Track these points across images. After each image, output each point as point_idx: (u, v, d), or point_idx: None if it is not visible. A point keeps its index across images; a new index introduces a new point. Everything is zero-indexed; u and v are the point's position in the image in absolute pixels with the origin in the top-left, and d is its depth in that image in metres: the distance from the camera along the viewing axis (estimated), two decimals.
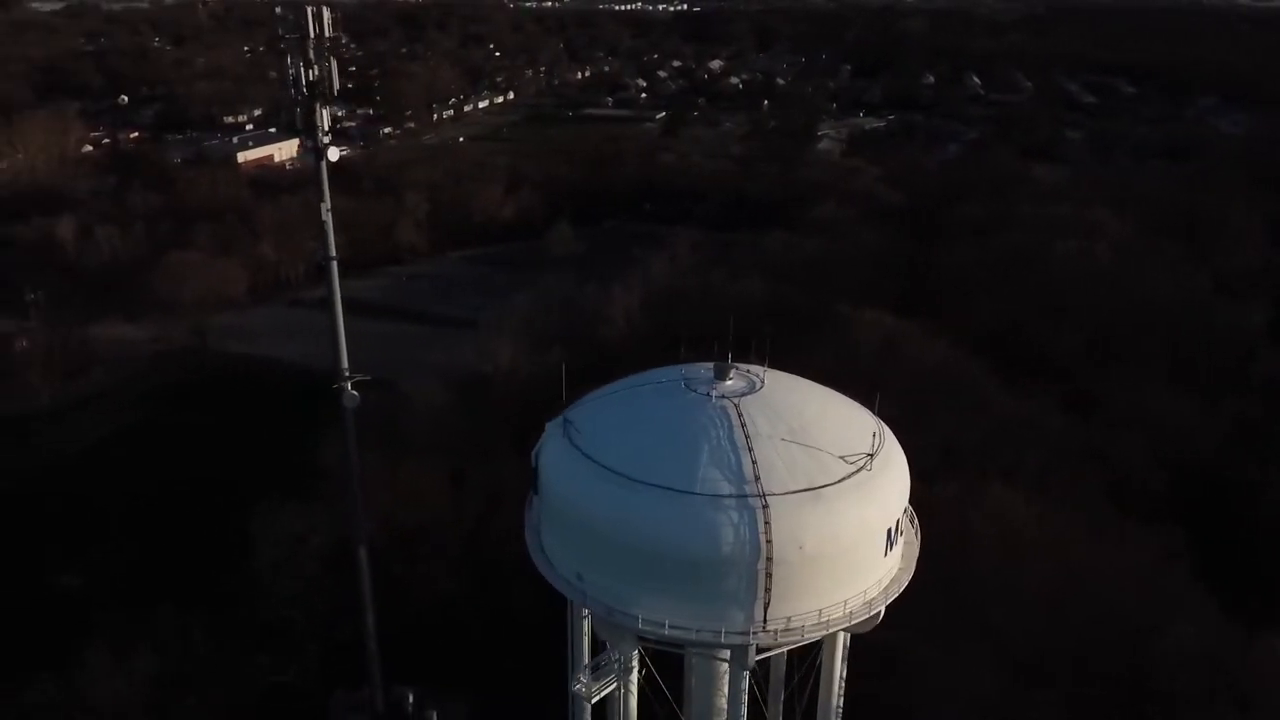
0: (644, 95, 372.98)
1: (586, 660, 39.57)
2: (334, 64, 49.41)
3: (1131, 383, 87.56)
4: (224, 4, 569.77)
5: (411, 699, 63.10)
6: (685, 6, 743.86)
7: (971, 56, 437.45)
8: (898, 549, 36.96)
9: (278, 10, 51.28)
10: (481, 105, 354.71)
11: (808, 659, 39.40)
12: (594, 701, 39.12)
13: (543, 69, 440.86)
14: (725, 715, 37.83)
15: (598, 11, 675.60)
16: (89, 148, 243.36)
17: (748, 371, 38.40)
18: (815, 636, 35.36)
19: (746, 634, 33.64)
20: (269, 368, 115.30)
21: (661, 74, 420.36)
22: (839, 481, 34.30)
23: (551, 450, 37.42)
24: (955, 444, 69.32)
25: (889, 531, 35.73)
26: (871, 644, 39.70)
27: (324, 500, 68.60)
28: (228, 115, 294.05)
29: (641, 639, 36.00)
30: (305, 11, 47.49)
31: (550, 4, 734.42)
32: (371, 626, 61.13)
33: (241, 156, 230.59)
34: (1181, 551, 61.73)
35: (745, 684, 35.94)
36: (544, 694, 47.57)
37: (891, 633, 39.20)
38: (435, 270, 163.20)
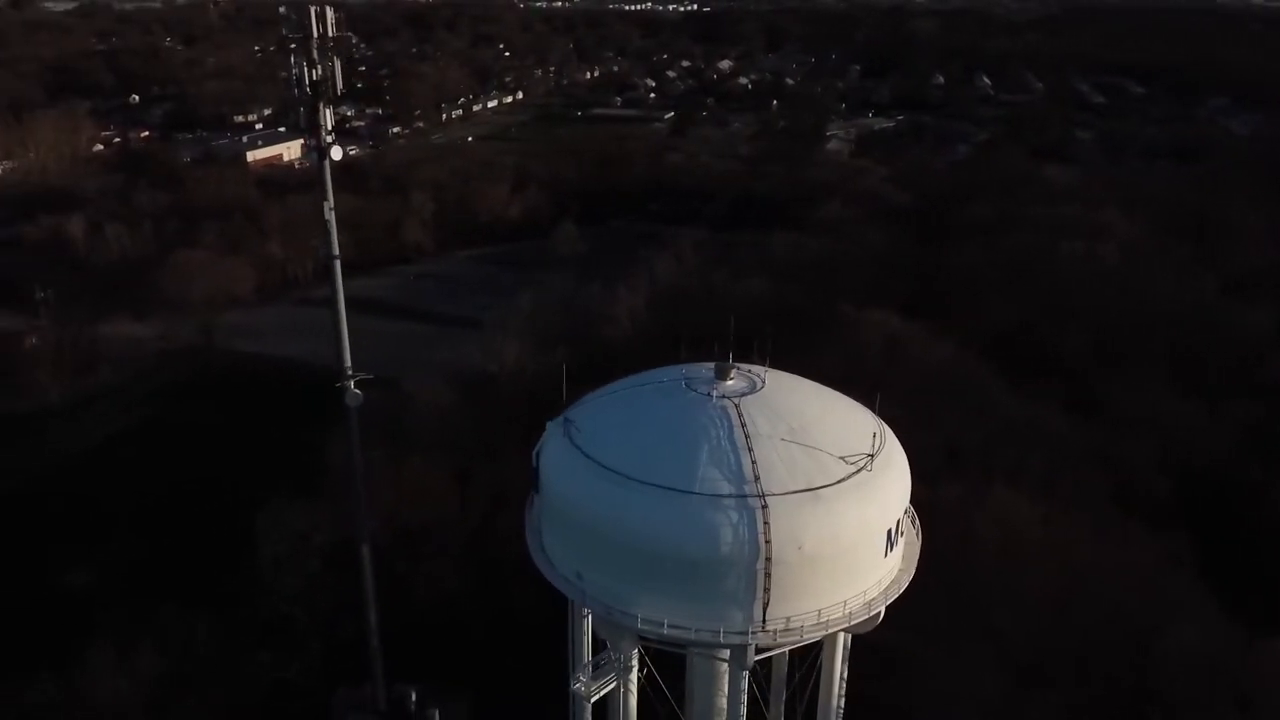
0: (653, 95, 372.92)
1: (587, 659, 39.61)
2: (337, 64, 49.49)
3: (1138, 384, 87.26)
4: (235, 4, 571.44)
5: (414, 697, 63.16)
6: (695, 7, 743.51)
7: (982, 57, 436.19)
8: (898, 550, 36.90)
9: (282, 10, 51.39)
10: (490, 105, 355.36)
11: (808, 659, 39.37)
12: (594, 701, 39.15)
13: (552, 69, 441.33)
14: (725, 715, 37.83)
15: (607, 12, 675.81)
16: (99, 147, 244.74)
17: (748, 371, 38.37)
18: (814, 637, 35.34)
19: (745, 634, 33.65)
20: (276, 366, 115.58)
21: (670, 74, 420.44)
22: (839, 482, 34.24)
23: (552, 449, 37.48)
24: (959, 445, 69.20)
25: (889, 532, 35.68)
26: (873, 645, 39.66)
27: (328, 498, 68.78)
28: (237, 115, 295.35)
29: (641, 638, 36.03)
30: (309, 11, 47.62)
31: (560, 4, 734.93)
32: (374, 624, 61.21)
33: (250, 156, 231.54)
34: (1185, 554, 61.53)
35: (745, 684, 35.93)
36: (545, 693, 47.57)
37: (893, 634, 39.16)
38: (442, 269, 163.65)
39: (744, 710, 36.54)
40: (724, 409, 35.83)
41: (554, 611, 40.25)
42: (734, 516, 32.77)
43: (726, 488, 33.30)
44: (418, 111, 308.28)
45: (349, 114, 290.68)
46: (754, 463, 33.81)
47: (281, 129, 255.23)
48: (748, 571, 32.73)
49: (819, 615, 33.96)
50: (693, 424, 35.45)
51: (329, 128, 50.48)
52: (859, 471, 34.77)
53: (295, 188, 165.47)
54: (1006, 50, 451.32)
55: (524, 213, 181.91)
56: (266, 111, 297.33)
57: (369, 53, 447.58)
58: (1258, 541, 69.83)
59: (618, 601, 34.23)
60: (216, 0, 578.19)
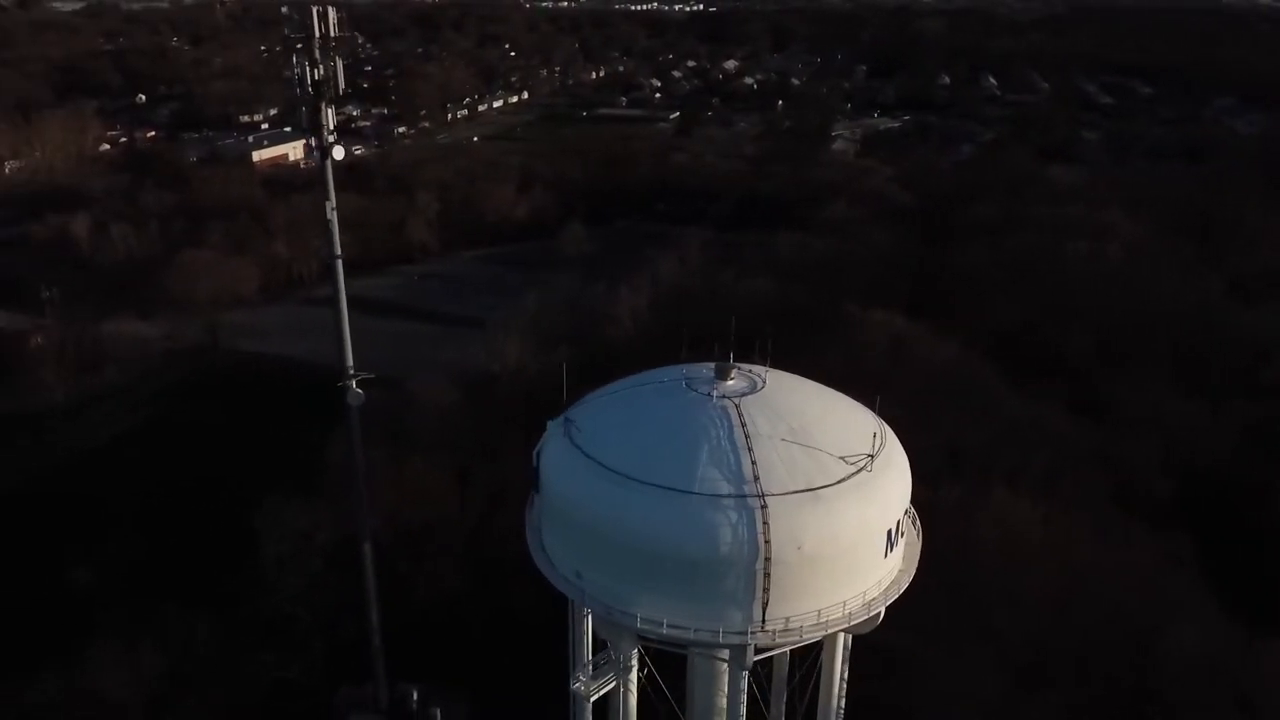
0: (658, 95, 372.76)
1: (587, 659, 39.65)
2: (339, 64, 49.62)
3: (1141, 385, 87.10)
4: (241, 4, 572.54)
5: (415, 696, 63.29)
6: (701, 7, 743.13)
7: (988, 57, 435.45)
8: (898, 550, 36.89)
9: (284, 10, 51.53)
10: (496, 105, 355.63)
11: (809, 660, 39.37)
12: (594, 700, 39.20)
13: (557, 69, 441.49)
14: (725, 715, 37.81)
15: (613, 11, 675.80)
16: (106, 146, 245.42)
17: (749, 371, 38.38)
18: (814, 637, 35.36)
19: (744, 634, 33.71)
20: (280, 366, 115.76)
21: (676, 74, 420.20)
22: (838, 482, 34.25)
23: (552, 449, 37.53)
24: (962, 446, 69.12)
25: (889, 533, 35.68)
26: (873, 645, 39.62)
27: (329, 497, 68.88)
28: (244, 114, 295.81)
29: (640, 638, 36.08)
30: (310, 11, 47.73)
31: (566, 4, 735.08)
32: (376, 623, 61.40)
33: (256, 155, 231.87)
34: (1186, 555, 61.40)
35: (744, 684, 35.96)
36: (546, 692, 47.63)
37: (893, 634, 39.12)
38: (447, 269, 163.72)
39: (744, 710, 36.57)
40: (724, 409, 35.85)
41: (554, 611, 40.28)
42: (733, 516, 32.80)
43: (726, 488, 33.34)
44: (423, 111, 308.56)
45: (355, 114, 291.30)
46: (754, 463, 33.85)
47: (287, 129, 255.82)
48: (747, 571, 32.77)
49: (818, 615, 34.00)
50: (693, 424, 35.48)
51: (331, 127, 50.58)
52: (859, 472, 34.78)
53: (301, 187, 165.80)
54: (1012, 50, 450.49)
55: (529, 213, 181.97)
56: (272, 111, 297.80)
57: (375, 53, 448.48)
58: (1260, 542, 69.65)
59: (617, 601, 34.30)
60: (223, 0, 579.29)
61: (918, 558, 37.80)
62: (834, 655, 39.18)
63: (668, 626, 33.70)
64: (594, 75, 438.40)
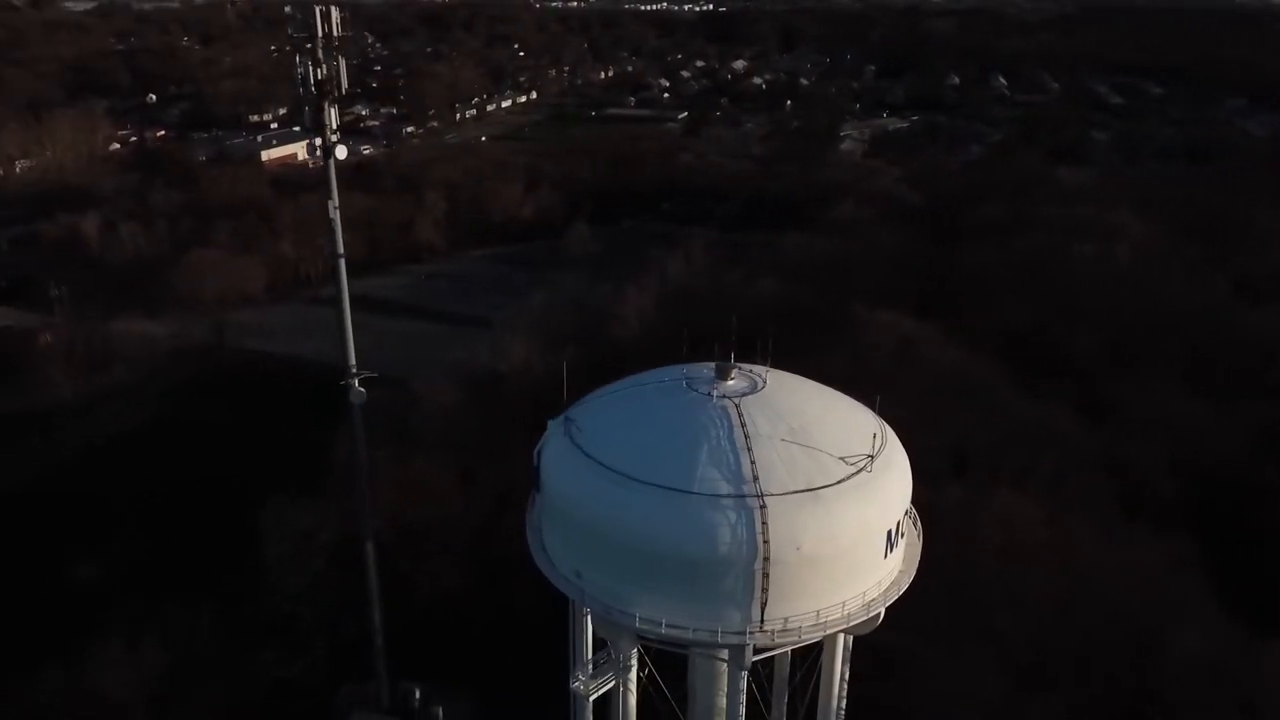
0: (666, 95, 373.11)
1: (587, 658, 39.61)
2: (342, 63, 49.65)
3: (1149, 386, 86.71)
4: (251, 4, 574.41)
5: (417, 695, 63.36)
6: (710, 7, 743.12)
7: (998, 57, 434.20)
8: (899, 551, 36.76)
9: (288, 10, 51.62)
10: (504, 105, 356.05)
11: (809, 660, 39.27)
12: (594, 699, 39.18)
13: (566, 69, 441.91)
14: (725, 715, 37.73)
15: (623, 11, 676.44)
16: (116, 146, 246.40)
17: (750, 371, 38.30)
18: (813, 638, 35.28)
19: (743, 634, 33.66)
20: (286, 365, 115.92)
21: (685, 74, 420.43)
22: (838, 483, 34.16)
23: (553, 449, 37.52)
24: (967, 447, 68.91)
25: (889, 533, 35.56)
26: (873, 645, 39.49)
27: (333, 497, 68.95)
28: (253, 114, 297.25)
29: (640, 638, 36.04)
30: (314, 11, 47.80)
31: (576, 4, 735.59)
32: (378, 622, 61.48)
33: (265, 155, 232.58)
34: (1190, 556, 61.04)
35: (744, 684, 35.92)
36: (547, 691, 47.60)
37: (894, 635, 38.98)
38: (455, 269, 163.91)
39: (742, 710, 36.54)
40: (724, 409, 35.79)
41: (555, 610, 40.24)
42: (732, 516, 32.75)
43: (726, 488, 33.29)
44: (432, 111, 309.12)
45: (364, 113, 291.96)
46: (753, 463, 33.80)
47: (296, 128, 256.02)
48: (746, 572, 32.71)
49: (817, 616, 33.94)
50: (693, 424, 35.42)
51: (334, 127, 50.62)
52: (859, 472, 34.68)
53: (309, 187, 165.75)
54: (1022, 50, 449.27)
55: (537, 212, 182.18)
56: (281, 111, 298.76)
57: (384, 52, 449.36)
58: (1267, 543, 69.23)
59: (617, 601, 34.29)
60: (234, 0, 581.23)
61: (918, 558, 37.67)
62: (834, 655, 39.10)
63: (667, 626, 33.67)
64: (603, 75, 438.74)
